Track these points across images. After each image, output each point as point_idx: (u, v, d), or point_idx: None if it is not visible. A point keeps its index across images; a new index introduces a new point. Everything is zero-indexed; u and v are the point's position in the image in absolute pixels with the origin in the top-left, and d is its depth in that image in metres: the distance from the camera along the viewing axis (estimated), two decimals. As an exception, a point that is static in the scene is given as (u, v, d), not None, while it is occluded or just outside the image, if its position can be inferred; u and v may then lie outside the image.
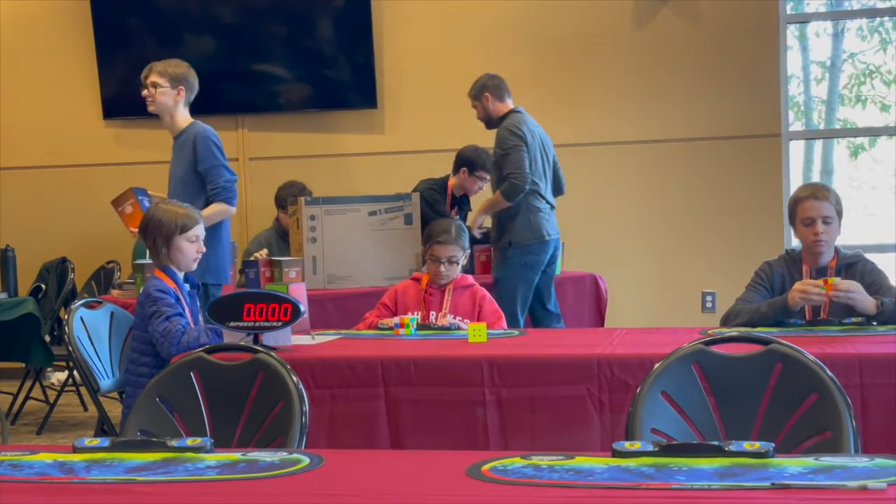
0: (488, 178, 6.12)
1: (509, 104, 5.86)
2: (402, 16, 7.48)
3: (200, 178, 4.84)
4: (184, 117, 5.02)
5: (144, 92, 4.96)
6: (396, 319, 4.05)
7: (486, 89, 5.87)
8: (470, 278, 4.54)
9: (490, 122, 5.87)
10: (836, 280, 3.67)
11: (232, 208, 4.88)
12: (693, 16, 7.19)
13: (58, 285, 6.77)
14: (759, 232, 6.98)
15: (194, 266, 4.03)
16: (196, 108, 7.69)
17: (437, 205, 5.99)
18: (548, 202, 5.81)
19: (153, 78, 4.94)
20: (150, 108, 4.99)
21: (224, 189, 4.82)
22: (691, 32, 7.19)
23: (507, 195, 5.63)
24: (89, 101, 7.72)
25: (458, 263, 4.41)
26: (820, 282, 3.66)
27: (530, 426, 3.36)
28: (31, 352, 5.79)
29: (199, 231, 4.02)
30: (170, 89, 4.93)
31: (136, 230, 4.73)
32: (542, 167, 5.80)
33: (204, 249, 4.05)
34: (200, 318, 4.04)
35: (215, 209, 4.80)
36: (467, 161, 6.13)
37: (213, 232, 4.79)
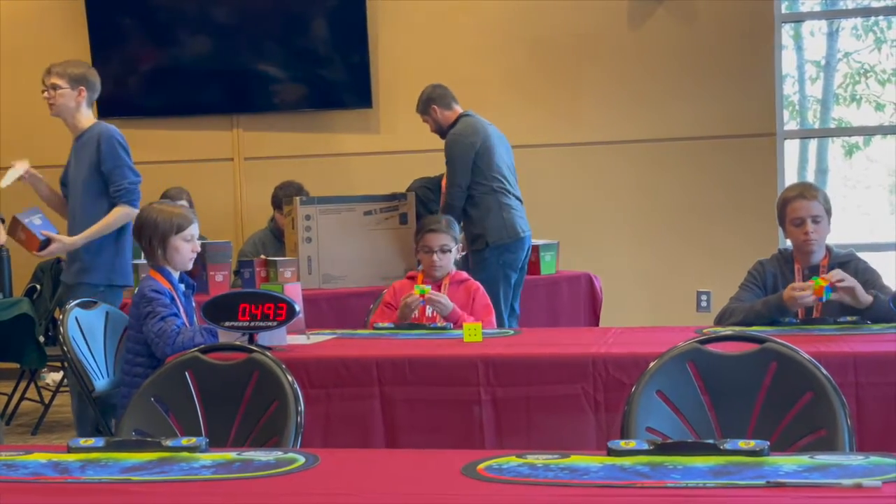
0: None
1: (458, 110, 5.83)
2: (397, 15, 7.49)
3: (104, 179, 4.74)
4: (86, 118, 4.89)
5: (44, 94, 4.84)
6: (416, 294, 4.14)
7: (431, 101, 5.82)
8: (464, 274, 4.57)
9: (442, 131, 5.83)
10: (832, 273, 3.66)
11: (136, 210, 4.73)
12: (688, 15, 7.19)
13: (52, 286, 6.76)
14: (753, 231, 6.98)
15: (190, 265, 4.04)
16: (192, 108, 7.78)
17: (429, 203, 5.98)
18: (517, 198, 5.76)
19: (52, 80, 4.82)
20: (52, 112, 4.87)
21: (128, 191, 4.72)
22: (686, 32, 7.19)
23: (444, 212, 5.59)
24: (84, 101, 7.71)
25: (450, 252, 4.43)
26: (808, 284, 3.65)
27: (526, 425, 3.36)
28: (25, 353, 5.78)
29: (195, 230, 4.02)
30: (70, 90, 4.81)
31: (38, 252, 4.75)
32: (506, 163, 5.77)
33: (199, 249, 4.05)
34: (195, 317, 4.04)
35: (119, 213, 4.72)
36: None
37: (117, 234, 4.76)
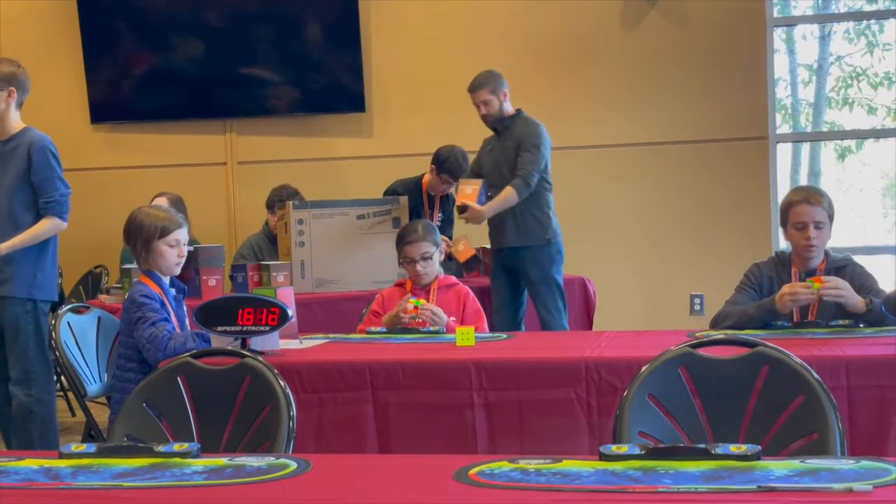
0: (453, 183, 6.06)
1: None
2: (391, 19, 7.49)
3: (33, 189, 4.64)
4: (15, 121, 4.73)
5: None
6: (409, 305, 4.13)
7: (503, 85, 5.79)
8: (453, 278, 4.56)
9: (498, 119, 5.76)
10: (825, 278, 3.68)
11: (63, 223, 4.69)
12: (681, 19, 7.20)
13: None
14: (746, 234, 6.99)
15: (177, 271, 4.00)
16: (185, 112, 7.77)
17: None
18: None
19: None
20: None
21: (58, 203, 4.63)
22: (679, 35, 7.20)
23: (520, 192, 5.58)
24: (77, 105, 7.71)
25: (432, 259, 4.42)
26: (808, 281, 3.67)
27: (518, 429, 3.36)
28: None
29: (181, 235, 3.98)
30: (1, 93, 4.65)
31: None
32: None
33: (185, 254, 4.02)
34: (187, 322, 4.03)
35: (48, 225, 4.64)
36: (437, 160, 6.10)
37: (41, 247, 4.67)
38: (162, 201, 5.84)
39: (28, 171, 4.63)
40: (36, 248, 4.66)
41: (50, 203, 4.63)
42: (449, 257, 5.82)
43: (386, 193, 6.12)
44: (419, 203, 6.11)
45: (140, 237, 3.92)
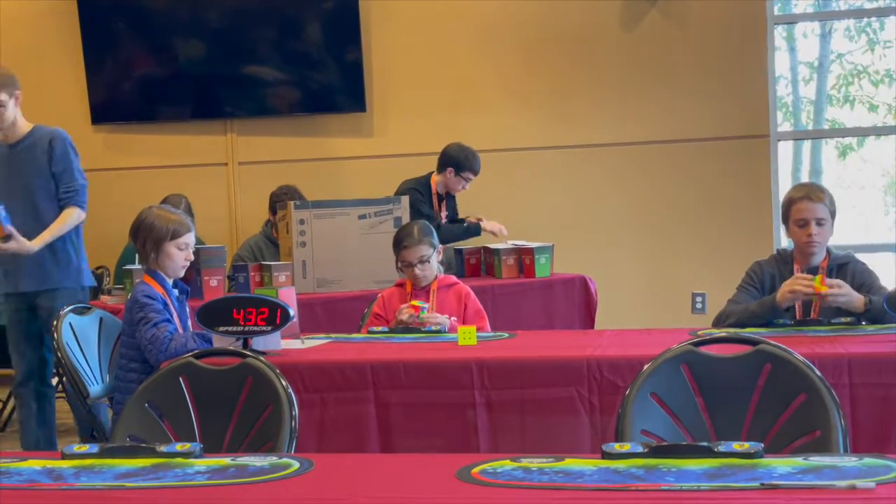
0: (473, 178, 6.10)
1: None
2: (391, 18, 7.49)
3: (54, 181, 4.70)
4: (23, 121, 4.82)
5: None
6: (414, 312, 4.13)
7: None
8: (452, 278, 4.55)
9: None
10: (828, 281, 3.67)
11: (84, 213, 4.76)
12: (681, 17, 7.20)
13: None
14: (748, 232, 6.99)
15: (182, 273, 4.02)
16: (185, 113, 7.77)
17: (420, 206, 5.96)
18: None
19: None
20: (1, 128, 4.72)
21: (78, 192, 4.72)
22: (679, 34, 7.20)
23: None
24: (77, 106, 7.70)
25: (429, 262, 4.41)
26: (808, 277, 3.67)
27: (520, 428, 3.36)
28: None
29: (190, 239, 3.99)
30: (11, 100, 4.72)
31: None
32: None
33: (192, 258, 4.04)
34: (189, 323, 4.03)
35: (73, 214, 4.72)
36: (454, 161, 6.10)
37: (76, 236, 4.75)
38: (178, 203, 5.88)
39: (48, 164, 4.71)
40: (70, 238, 4.77)
41: (70, 193, 4.72)
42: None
43: (398, 194, 6.14)
44: (431, 203, 6.12)
45: (150, 237, 3.94)
